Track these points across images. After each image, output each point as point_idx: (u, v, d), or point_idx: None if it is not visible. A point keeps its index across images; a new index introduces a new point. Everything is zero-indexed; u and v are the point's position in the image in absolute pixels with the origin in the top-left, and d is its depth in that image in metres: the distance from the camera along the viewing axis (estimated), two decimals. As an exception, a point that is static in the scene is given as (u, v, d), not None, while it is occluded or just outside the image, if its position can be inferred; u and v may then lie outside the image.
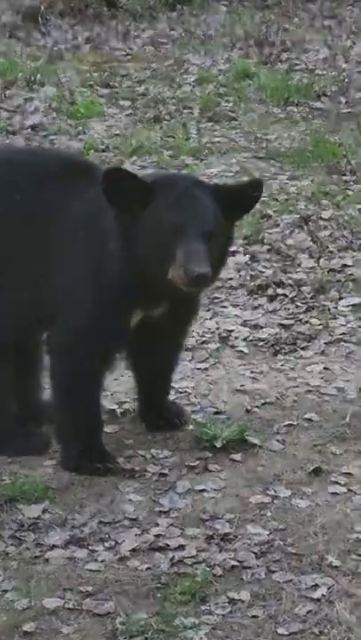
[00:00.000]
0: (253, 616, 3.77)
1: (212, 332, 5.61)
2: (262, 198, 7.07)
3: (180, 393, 5.15)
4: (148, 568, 4.03)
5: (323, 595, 3.85)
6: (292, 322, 5.79)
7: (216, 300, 5.98)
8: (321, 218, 6.92)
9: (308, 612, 3.77)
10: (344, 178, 7.55)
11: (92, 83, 9.93)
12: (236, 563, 4.03)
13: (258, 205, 6.99)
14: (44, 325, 4.57)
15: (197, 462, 4.63)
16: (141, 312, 4.43)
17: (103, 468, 4.40)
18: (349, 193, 7.30)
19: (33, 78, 9.85)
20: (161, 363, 4.78)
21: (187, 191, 4.38)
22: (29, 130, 8.79)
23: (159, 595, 3.87)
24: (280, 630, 3.69)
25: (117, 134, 8.67)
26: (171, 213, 4.28)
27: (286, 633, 3.68)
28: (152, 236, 4.27)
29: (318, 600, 3.83)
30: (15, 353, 4.66)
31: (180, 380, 5.17)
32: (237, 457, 4.63)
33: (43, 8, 12.00)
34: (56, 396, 4.56)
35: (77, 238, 4.43)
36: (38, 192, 4.50)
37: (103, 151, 8.27)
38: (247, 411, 4.97)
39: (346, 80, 9.63)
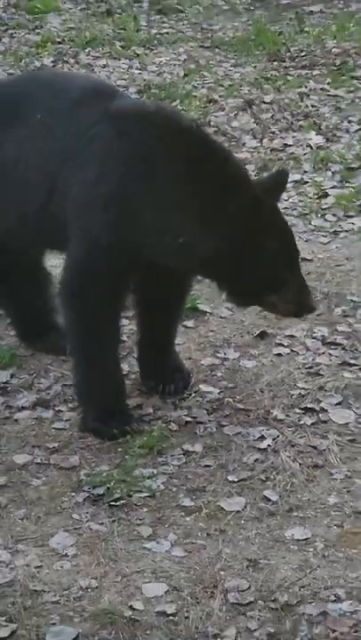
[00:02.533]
0: (206, 465, 3.84)
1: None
2: (207, 85, 7.16)
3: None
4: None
5: (269, 445, 3.91)
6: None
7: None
8: (263, 102, 6.90)
9: (255, 461, 3.84)
10: (284, 64, 7.52)
11: (47, -23, 9.78)
12: (189, 419, 4.09)
13: (205, 90, 7.07)
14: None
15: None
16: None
17: (119, 433, 4.02)
18: (289, 78, 7.27)
19: (-10, -26, 9.73)
20: (166, 309, 4.36)
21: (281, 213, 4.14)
22: (-9, 24, 8.72)
23: (120, 449, 3.93)
24: (230, 477, 3.77)
25: (72, 27, 8.57)
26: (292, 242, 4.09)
27: (236, 479, 3.75)
28: None
29: (265, 450, 3.89)
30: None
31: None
32: (190, 324, 4.67)
33: None
34: (71, 352, 4.19)
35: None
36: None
37: (59, 43, 8.19)
38: (198, 280, 4.96)
39: (286, -29, 9.54)
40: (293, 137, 6.41)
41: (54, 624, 3.19)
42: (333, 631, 3.13)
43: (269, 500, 3.65)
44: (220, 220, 3.78)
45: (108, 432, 4.01)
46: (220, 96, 7.04)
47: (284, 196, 5.70)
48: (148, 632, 3.15)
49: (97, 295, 3.95)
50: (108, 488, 3.71)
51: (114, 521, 3.58)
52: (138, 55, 7.90)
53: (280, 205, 4.13)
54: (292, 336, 4.57)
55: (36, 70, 7.30)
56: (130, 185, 3.82)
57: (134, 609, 3.22)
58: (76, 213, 3.95)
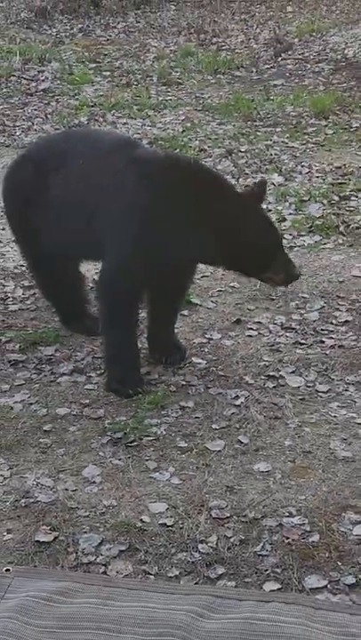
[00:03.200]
0: (196, 417, 3.83)
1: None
2: (199, 138, 7.17)
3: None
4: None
5: (242, 402, 3.91)
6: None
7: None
8: (240, 150, 6.87)
9: (232, 414, 3.84)
10: (255, 123, 7.49)
11: (83, 60, 9.74)
12: (184, 382, 4.09)
13: (197, 142, 7.07)
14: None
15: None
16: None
17: (133, 392, 3.99)
18: (258, 134, 7.23)
19: (43, 57, 9.66)
20: (170, 302, 4.31)
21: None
22: (41, 92, 8.65)
23: (134, 404, 3.93)
24: (214, 426, 3.76)
25: (101, 95, 8.52)
26: (274, 228, 4.14)
27: (218, 427, 3.75)
28: None
29: (239, 406, 3.89)
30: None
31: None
32: (185, 312, 4.65)
33: (49, 7, 11.76)
34: (102, 333, 4.17)
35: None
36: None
37: (92, 106, 8.16)
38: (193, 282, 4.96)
39: (256, 56, 9.50)
40: (261, 177, 6.37)
41: (85, 532, 3.20)
42: (287, 538, 3.14)
43: (242, 442, 3.65)
44: (220, 223, 3.81)
45: (124, 392, 4.00)
46: (208, 146, 7.01)
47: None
48: (153, 538, 3.16)
49: (124, 292, 3.99)
50: (125, 433, 3.72)
51: (129, 457, 3.58)
52: (149, 116, 7.87)
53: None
54: (260, 322, 4.56)
55: (75, 128, 7.25)
56: (155, 209, 3.84)
57: (143, 521, 3.23)
58: (112, 233, 3.95)
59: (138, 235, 3.88)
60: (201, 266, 5.13)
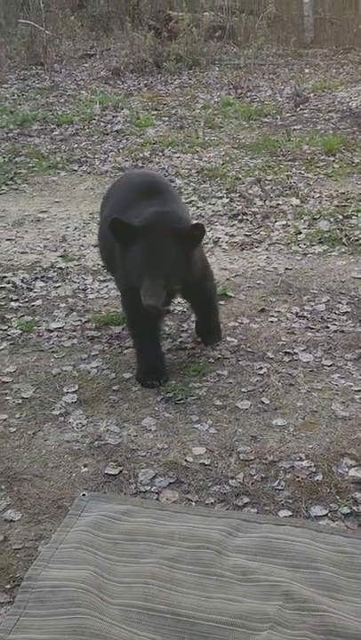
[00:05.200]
0: (229, 382, 3.82)
1: (208, 239, 5.58)
2: (235, 169, 7.13)
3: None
4: (175, 357, 4.07)
5: (264, 372, 3.88)
6: (250, 233, 5.73)
7: (211, 222, 5.94)
8: (266, 179, 6.81)
9: (256, 381, 3.82)
10: (278, 158, 7.41)
11: (147, 108, 9.68)
12: (220, 356, 4.07)
13: (233, 172, 7.03)
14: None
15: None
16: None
17: (152, 384, 3.76)
18: (281, 166, 7.16)
19: (117, 105, 9.63)
20: (203, 300, 4.09)
21: (155, 242, 3.51)
22: (115, 132, 8.65)
23: (182, 372, 3.92)
24: (242, 390, 3.74)
25: (161, 135, 8.49)
26: (141, 257, 3.53)
27: (245, 391, 3.73)
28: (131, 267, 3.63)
29: (262, 375, 3.87)
30: None
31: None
32: (222, 302, 4.62)
33: (122, 67, 11.73)
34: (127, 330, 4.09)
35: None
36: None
37: (153, 144, 8.14)
38: (227, 279, 4.95)
39: (280, 107, 9.39)
40: (283, 200, 6.33)
41: (143, 468, 3.21)
42: (297, 477, 3.12)
43: (264, 402, 3.63)
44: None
45: (147, 383, 3.80)
46: (241, 175, 6.94)
47: (276, 233, 5.68)
48: (194, 474, 3.16)
49: (132, 310, 3.82)
50: (175, 393, 3.71)
51: (177, 412, 3.58)
52: (197, 151, 7.81)
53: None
54: (279, 311, 4.52)
55: (132, 168, 7.18)
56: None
57: (187, 461, 3.23)
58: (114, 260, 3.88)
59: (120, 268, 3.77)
60: (235, 266, 5.14)
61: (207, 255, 4.94)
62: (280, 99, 9.87)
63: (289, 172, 6.98)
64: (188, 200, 6.31)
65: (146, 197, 3.73)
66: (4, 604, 2.55)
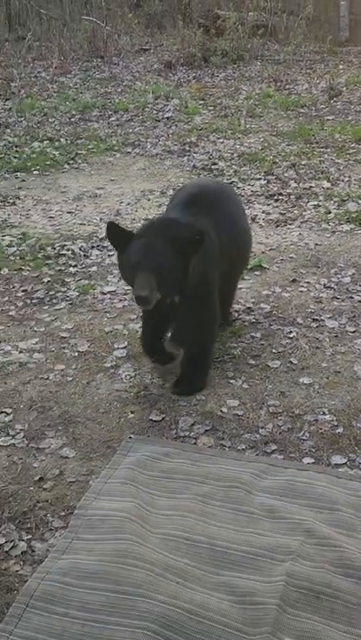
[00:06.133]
0: (261, 344, 3.79)
1: (247, 216, 5.50)
2: (273, 154, 7.01)
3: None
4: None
5: (294, 335, 3.85)
6: (285, 212, 5.65)
7: (250, 201, 5.86)
8: (301, 164, 6.68)
9: (286, 343, 3.78)
10: (312, 145, 7.26)
11: (195, 98, 9.54)
12: (254, 320, 4.03)
13: (271, 157, 6.91)
14: None
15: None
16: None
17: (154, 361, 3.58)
18: (314, 152, 7.01)
19: (168, 95, 9.52)
20: (192, 344, 3.46)
21: (148, 240, 3.13)
22: (166, 119, 8.56)
23: (220, 334, 3.85)
24: (273, 350, 3.71)
25: (206, 122, 8.38)
26: (133, 254, 3.13)
27: (276, 352, 3.70)
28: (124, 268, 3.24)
29: (291, 338, 3.83)
30: None
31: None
32: (257, 272, 4.58)
33: (173, 61, 11.57)
34: None
35: None
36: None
37: (200, 130, 8.03)
38: (263, 252, 4.89)
39: (315, 99, 9.18)
40: (315, 183, 6.21)
41: (183, 416, 3.21)
42: (320, 429, 3.09)
43: (292, 362, 3.60)
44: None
45: (148, 359, 3.58)
46: (278, 160, 6.83)
47: (308, 212, 5.59)
48: (228, 423, 3.15)
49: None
50: (217, 349, 3.68)
51: (215, 368, 3.56)
52: (239, 138, 7.69)
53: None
54: (308, 282, 4.46)
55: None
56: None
57: (222, 411, 3.23)
58: None
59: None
60: (270, 241, 5.07)
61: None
62: (315, 92, 9.65)
63: (321, 158, 6.84)
64: (229, 181, 6.22)
65: (189, 207, 3.36)
66: (58, 528, 2.59)
